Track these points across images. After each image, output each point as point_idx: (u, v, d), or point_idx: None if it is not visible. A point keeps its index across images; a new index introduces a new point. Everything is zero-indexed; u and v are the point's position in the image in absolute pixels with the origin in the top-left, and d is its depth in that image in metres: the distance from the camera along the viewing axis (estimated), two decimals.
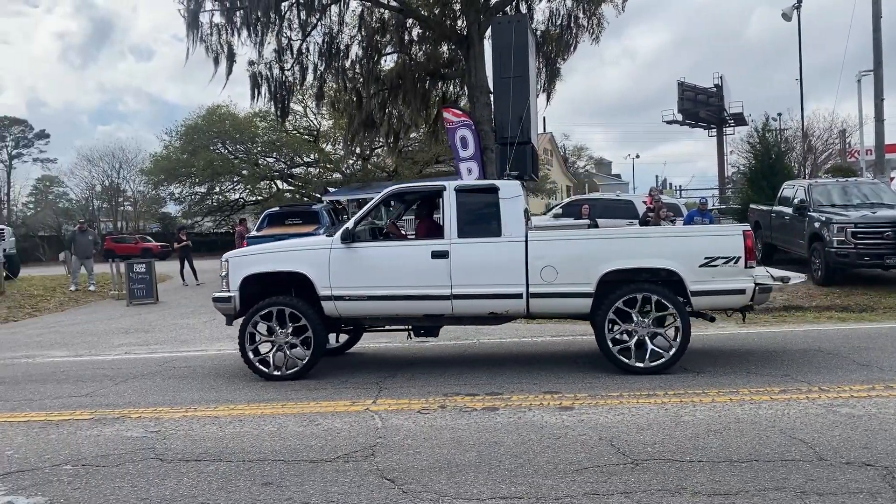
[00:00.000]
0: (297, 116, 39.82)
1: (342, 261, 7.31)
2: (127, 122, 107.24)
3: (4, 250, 18.48)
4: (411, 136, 32.75)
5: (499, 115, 18.05)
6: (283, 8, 21.04)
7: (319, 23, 22.12)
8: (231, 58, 21.34)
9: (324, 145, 42.97)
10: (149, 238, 43.93)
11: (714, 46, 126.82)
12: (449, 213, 7.24)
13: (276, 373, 7.36)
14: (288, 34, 22.07)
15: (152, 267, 16.30)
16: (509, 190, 7.27)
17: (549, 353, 8.20)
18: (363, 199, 38.87)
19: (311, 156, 44.46)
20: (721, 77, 53.32)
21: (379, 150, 39.33)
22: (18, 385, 7.74)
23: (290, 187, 46.57)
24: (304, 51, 22.53)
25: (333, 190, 39.81)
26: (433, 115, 24.17)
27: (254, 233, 17.74)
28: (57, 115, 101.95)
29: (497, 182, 7.48)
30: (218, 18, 20.99)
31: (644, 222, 14.21)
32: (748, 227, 6.99)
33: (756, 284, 6.80)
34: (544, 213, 18.06)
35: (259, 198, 46.66)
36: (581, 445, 4.74)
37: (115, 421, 5.92)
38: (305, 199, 41.65)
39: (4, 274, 17.62)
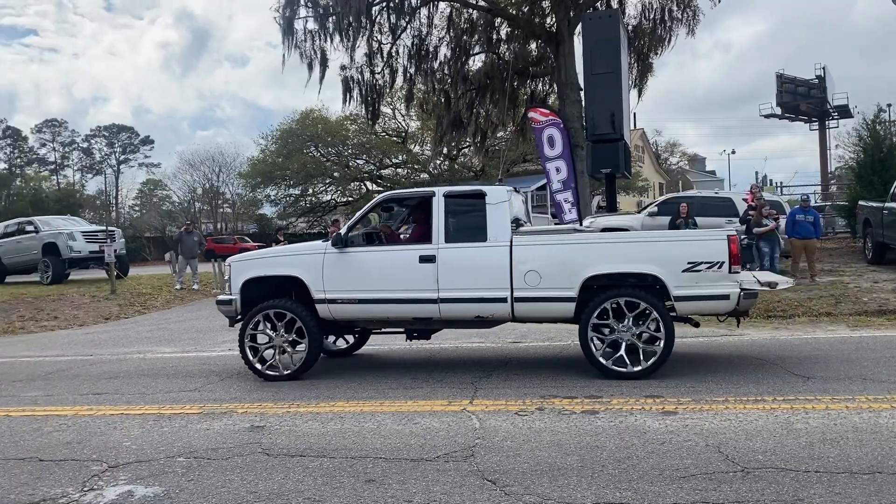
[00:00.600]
0: (387, 118, 40.46)
1: (335, 265, 7.50)
2: (224, 127, 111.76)
3: (116, 251, 19.56)
4: (498, 135, 32.70)
5: (589, 111, 17.81)
6: (373, 12, 21.40)
7: (409, 25, 22.39)
8: (324, 63, 21.92)
9: (412, 146, 43.49)
10: (247, 238, 45.52)
11: (815, 35, 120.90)
12: (437, 218, 7.35)
13: (273, 373, 7.60)
14: (378, 38, 22.47)
15: None
16: (495, 196, 7.32)
17: None
18: None
19: (400, 157, 45.11)
20: (823, 68, 50.71)
21: (466, 150, 39.45)
22: (132, 379, 8.17)
23: (380, 188, 47.35)
24: (393, 54, 22.88)
25: None
26: (521, 114, 24.05)
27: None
28: (160, 122, 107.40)
29: (484, 188, 7.54)
30: (311, 25, 21.59)
31: (745, 221, 13.67)
32: (733, 233, 6.84)
33: (742, 290, 6.63)
34: (638, 212, 17.65)
35: (349, 199, 47.68)
36: (687, 451, 4.60)
37: (223, 415, 6.15)
38: None
39: (116, 273, 18.62)
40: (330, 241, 7.59)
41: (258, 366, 7.64)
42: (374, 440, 5.16)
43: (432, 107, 25.33)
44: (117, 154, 76.63)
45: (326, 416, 5.94)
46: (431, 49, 22.92)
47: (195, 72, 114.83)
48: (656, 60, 23.30)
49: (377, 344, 9.42)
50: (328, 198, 48.79)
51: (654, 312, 6.71)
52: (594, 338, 6.86)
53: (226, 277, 8.11)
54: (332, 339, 8.97)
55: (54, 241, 20.68)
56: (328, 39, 21.58)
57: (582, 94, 19.08)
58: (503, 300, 7.06)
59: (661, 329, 6.72)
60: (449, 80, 23.31)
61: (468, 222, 7.38)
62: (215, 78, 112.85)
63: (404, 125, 43.09)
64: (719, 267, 6.62)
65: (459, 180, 40.00)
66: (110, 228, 23.08)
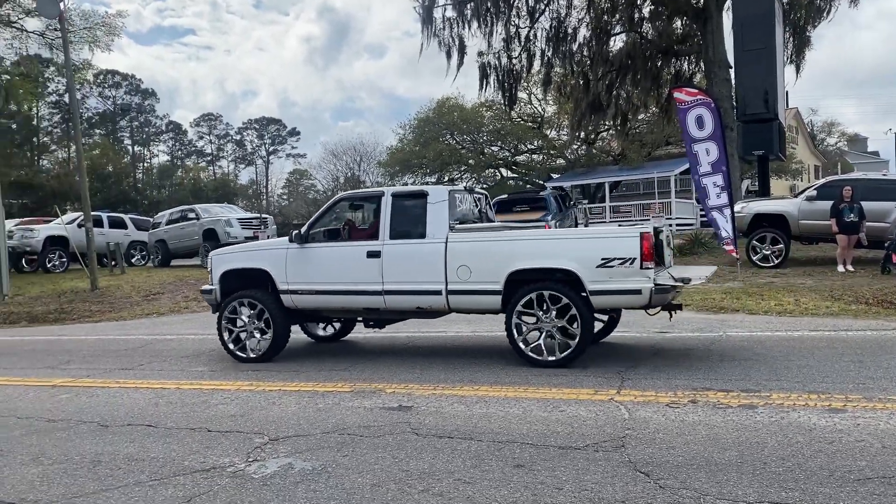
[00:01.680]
0: (522, 104, 40.18)
1: (296, 259, 8.29)
2: (363, 117, 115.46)
3: (268, 237, 20.73)
4: (639, 117, 31.66)
5: (740, 90, 16.87)
6: None
7: (547, 8, 22.10)
8: (462, 50, 22.06)
9: (548, 131, 42.97)
10: None
11: None
12: (384, 216, 7.97)
13: (244, 355, 8.48)
14: (516, 22, 22.33)
15: None
16: (436, 196, 7.88)
17: (808, 349, 7.48)
18: (587, 184, 38.44)
19: (535, 142, 44.70)
20: None
21: (604, 134, 38.52)
22: (285, 358, 8.60)
23: (514, 175, 47.20)
24: (531, 37, 22.68)
25: (557, 176, 39.76)
26: (664, 95, 23.14)
27: None
28: (304, 114, 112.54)
29: (426, 188, 8.19)
30: (450, 12, 21.78)
31: None
32: (647, 230, 6.98)
33: (655, 285, 6.79)
34: (795, 196, 16.54)
35: (484, 186, 47.86)
36: (860, 452, 4.25)
37: (372, 394, 6.35)
38: (528, 186, 42.00)
39: None
40: (289, 238, 8.40)
41: (231, 346, 8.57)
42: (520, 426, 5.14)
43: (570, 90, 24.90)
44: (267, 145, 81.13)
45: (471, 399, 5.99)
46: (570, 31, 22.51)
47: (336, 64, 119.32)
48: (813, 34, 21.70)
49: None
50: (463, 185, 49.26)
51: (572, 305, 7.01)
52: (518, 327, 7.29)
53: (208, 269, 9.04)
54: (321, 326, 9.91)
55: (213, 228, 22.19)
56: (466, 26, 21.72)
57: (732, 72, 18.10)
58: (439, 293, 7.62)
59: (578, 321, 7.01)
60: (588, 62, 22.81)
61: (410, 220, 7.92)
62: (354, 69, 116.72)
63: (540, 110, 42.65)
64: (631, 263, 6.86)
65: (598, 165, 39.15)
66: (263, 216, 24.47)
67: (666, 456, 4.37)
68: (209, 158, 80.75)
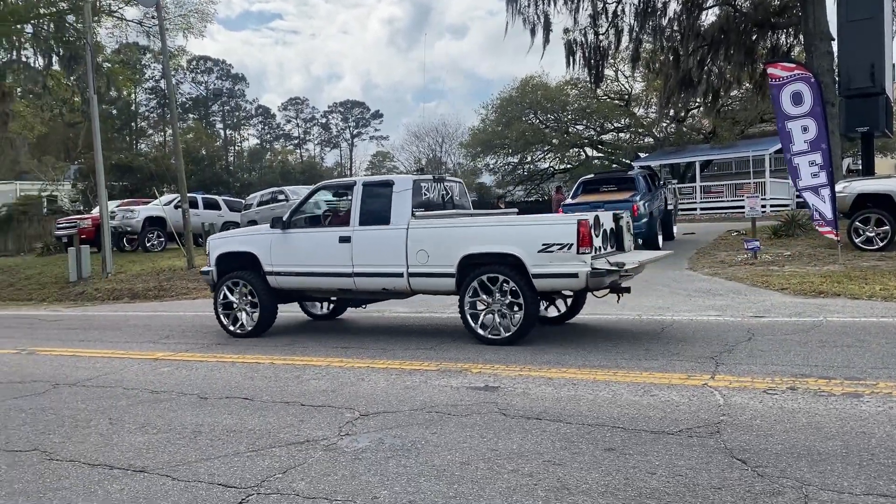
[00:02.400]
0: (609, 81, 39.30)
1: (279, 244, 9.04)
2: (445, 98, 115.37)
3: None
4: (732, 93, 30.44)
5: (844, 63, 15.97)
6: None
7: None
8: (547, 27, 21.72)
9: (635, 109, 41.90)
10: None
11: None
12: (355, 203, 8.63)
13: (236, 330, 9.33)
14: None
15: None
16: (400, 185, 8.47)
17: None
18: (676, 163, 37.33)
19: (622, 121, 43.73)
20: None
21: (695, 112, 37.27)
22: (374, 335, 8.77)
23: (600, 154, 46.34)
24: (618, 13, 22.11)
25: (644, 155, 38.78)
26: (759, 70, 22.14)
27: (568, 200, 17.96)
28: (387, 96, 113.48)
29: (392, 177, 8.90)
30: None
31: None
32: (584, 217, 7.39)
33: (592, 269, 7.17)
34: None
35: (568, 166, 47.23)
36: None
37: (458, 374, 6.38)
38: (615, 165, 41.17)
39: None
40: (269, 224, 9.22)
41: (224, 321, 9.43)
42: (610, 409, 5.06)
43: (659, 66, 24.16)
44: (351, 128, 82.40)
45: (559, 381, 5.94)
46: (659, 5, 21.79)
47: (418, 45, 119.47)
48: None
49: (595, 313, 9.27)
50: (546, 165, 48.72)
51: (517, 287, 7.48)
52: (472, 306, 7.81)
53: (206, 252, 9.86)
54: (317, 305, 10.67)
55: None
56: (551, 3, 21.36)
57: (834, 44, 17.13)
58: (401, 275, 8.24)
59: (522, 302, 7.50)
60: (678, 37, 22.04)
61: (377, 208, 8.51)
62: (436, 50, 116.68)
63: (627, 87, 41.62)
64: (568, 248, 7.27)
65: (688, 143, 37.97)
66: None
67: (764, 443, 4.21)
68: (296, 142, 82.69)
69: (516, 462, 4.12)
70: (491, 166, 51.52)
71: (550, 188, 41.25)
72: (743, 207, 19.01)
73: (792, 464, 3.89)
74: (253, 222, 23.97)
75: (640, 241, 17.01)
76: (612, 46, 23.20)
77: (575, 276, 7.26)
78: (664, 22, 21.95)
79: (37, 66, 23.20)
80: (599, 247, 7.69)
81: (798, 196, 15.97)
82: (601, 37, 22.46)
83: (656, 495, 3.56)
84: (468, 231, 8.03)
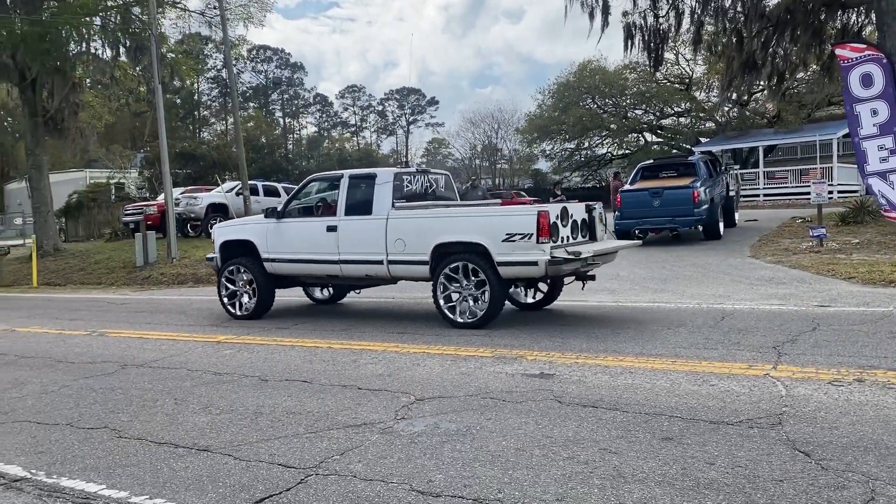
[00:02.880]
0: (669, 65, 38.42)
1: (274, 232, 9.68)
2: (500, 83, 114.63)
3: None
4: (798, 76, 29.41)
5: None
6: None
7: None
8: (605, 10, 21.32)
9: (696, 93, 40.89)
10: (523, 193, 46.62)
11: None
12: (341, 195, 9.23)
13: (238, 312, 10.02)
14: None
15: None
16: (382, 178, 9.02)
17: None
18: (739, 148, 36.33)
19: (682, 105, 42.74)
20: None
21: (758, 95, 36.15)
22: (429, 322, 8.81)
23: (659, 139, 45.46)
24: None
25: (706, 140, 37.86)
26: (826, 51, 21.31)
27: (626, 187, 17.68)
28: (442, 82, 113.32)
29: (376, 171, 9.32)
30: None
31: None
32: (544, 209, 7.81)
33: (551, 258, 7.58)
34: None
35: (626, 151, 46.48)
36: None
37: (513, 360, 6.38)
38: (675, 151, 40.33)
39: None
40: (264, 214, 9.91)
41: (226, 302, 10.17)
42: (668, 398, 5.00)
43: (721, 49, 23.44)
44: (407, 115, 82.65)
45: (615, 369, 5.89)
46: None
47: (473, 30, 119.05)
48: None
49: (655, 301, 9.12)
50: (604, 151, 48.03)
51: (484, 274, 7.96)
52: (443, 292, 8.30)
53: (213, 240, 10.58)
54: (319, 290, 11.26)
55: None
56: None
57: None
58: (381, 262, 8.79)
59: (488, 288, 7.98)
60: (742, 19, 21.34)
61: (361, 199, 9.05)
62: (492, 35, 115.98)
63: (688, 71, 40.62)
64: (529, 238, 7.71)
65: (751, 128, 36.91)
66: None
67: (828, 436, 4.10)
68: (353, 129, 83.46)
69: (571, 449, 4.11)
70: (547, 152, 51.05)
71: (608, 174, 40.67)
72: (808, 194, 18.41)
73: (858, 457, 3.78)
74: None
75: (699, 229, 16.68)
76: (672, 29, 22.62)
77: (535, 263, 7.70)
78: (727, 3, 21.30)
79: (105, 57, 23.89)
80: (567, 236, 8.20)
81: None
82: (661, 19, 21.92)
83: (714, 486, 3.51)
84: (441, 222, 8.51)
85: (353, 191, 9.18)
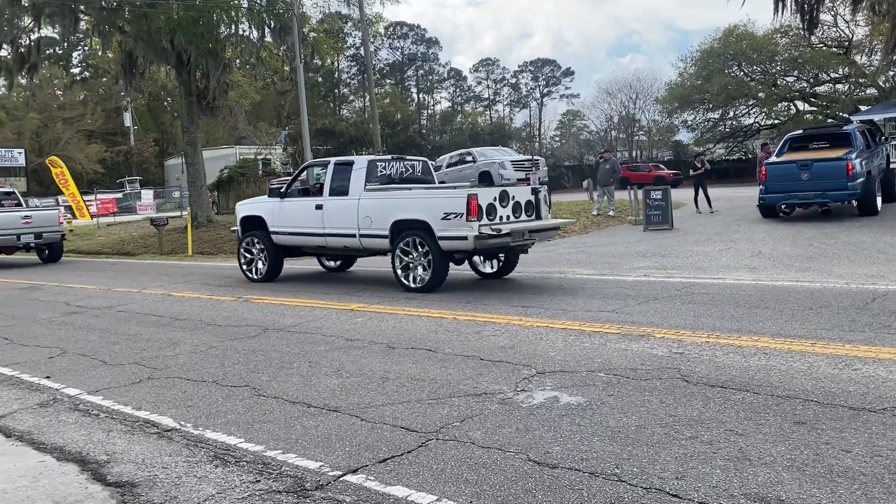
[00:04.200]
0: (825, 27, 35.62)
1: (279, 209, 11.54)
2: (640, 52, 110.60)
3: (539, 178, 21.05)
4: None
5: None
6: None
7: None
8: None
9: (856, 57, 37.68)
10: (661, 166, 44.99)
11: None
12: (327, 179, 10.95)
13: (254, 276, 11.96)
14: None
15: (668, 194, 16.64)
16: (359, 164, 10.71)
17: None
18: None
19: (840, 71, 39.57)
20: None
21: None
22: (554, 296, 8.78)
23: (813, 108, 42.41)
24: None
25: (865, 108, 34.88)
26: None
27: (773, 159, 16.65)
28: (578, 52, 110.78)
29: (354, 158, 11.16)
30: None
31: None
32: (474, 192, 9.15)
33: (478, 233, 8.89)
34: None
35: (776, 121, 43.72)
36: None
37: (640, 338, 6.24)
38: (830, 120, 37.49)
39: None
40: (268, 194, 12.00)
41: (245, 268, 12.11)
42: (803, 381, 4.73)
43: (886, 7, 21.45)
44: (541, 87, 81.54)
45: (749, 350, 5.63)
46: None
47: None
48: None
49: (798, 280, 8.57)
50: (750, 121, 45.41)
51: (428, 247, 9.41)
52: (400, 262, 9.79)
53: (236, 216, 12.62)
54: (331, 262, 12.98)
55: (488, 170, 23.07)
56: None
57: None
58: (354, 236, 10.44)
59: (431, 259, 9.44)
60: None
61: (341, 182, 10.69)
62: (631, 1, 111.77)
63: (848, 33, 37.48)
64: (460, 217, 9.04)
65: None
66: (534, 157, 24.86)
67: None
68: (486, 103, 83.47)
69: (695, 429, 3.99)
70: (689, 123, 48.96)
71: (755, 146, 38.45)
72: None
73: None
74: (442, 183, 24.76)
75: (853, 204, 15.50)
76: None
77: (465, 238, 9.02)
78: None
79: (252, 38, 25.18)
80: (508, 216, 9.48)
81: None
82: None
83: (849, 474, 3.31)
84: (397, 202, 10.06)
85: (336, 175, 10.80)
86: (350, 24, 54.28)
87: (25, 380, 6.13)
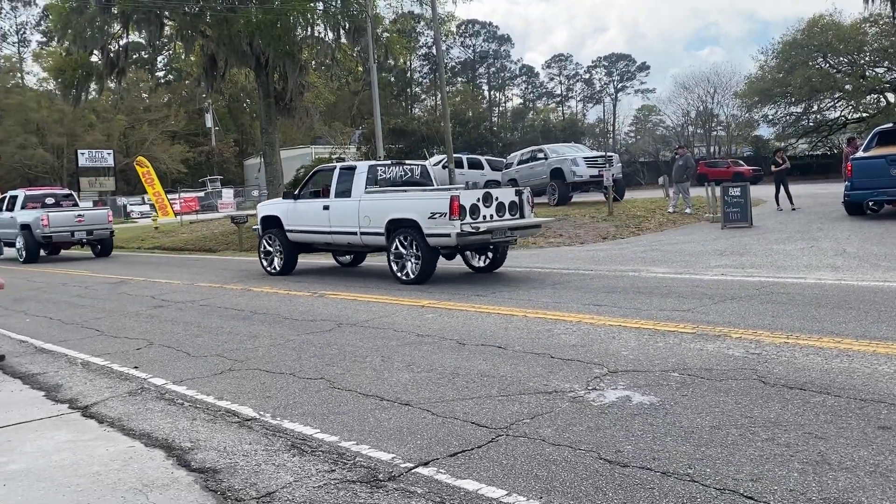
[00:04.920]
0: None
1: (292, 210, 12.79)
2: (718, 44, 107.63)
3: (613, 175, 20.75)
4: None
5: None
6: None
7: None
8: None
9: None
10: (740, 162, 43.60)
11: None
12: (334, 181, 12.07)
13: (271, 270, 13.14)
14: None
15: (747, 191, 16.16)
16: (360, 169, 11.85)
17: None
18: None
19: None
20: None
21: None
22: (627, 295, 8.66)
23: None
24: None
25: None
26: None
27: (860, 154, 15.95)
28: (654, 46, 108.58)
29: (357, 163, 12.45)
30: None
31: None
32: (456, 194, 10.22)
33: (460, 231, 9.88)
34: None
35: (864, 115, 41.82)
36: None
37: (716, 338, 6.11)
38: None
39: (612, 196, 19.76)
40: (282, 195, 13.63)
41: (264, 263, 13.33)
42: (889, 385, 4.55)
43: None
44: (615, 83, 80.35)
45: (831, 351, 5.44)
46: None
47: None
48: None
49: (888, 280, 8.20)
50: (836, 115, 43.53)
51: (418, 244, 10.44)
52: (394, 257, 10.86)
53: (256, 215, 13.99)
54: (347, 257, 14.21)
55: (560, 167, 22.87)
56: None
57: None
58: (356, 233, 11.60)
59: (421, 254, 10.45)
60: None
61: (345, 184, 11.84)
62: None
63: None
64: (444, 216, 9.98)
65: None
66: (608, 154, 24.49)
67: None
68: (558, 99, 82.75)
69: (772, 431, 3.90)
70: (770, 117, 47.27)
71: (841, 140, 36.88)
72: None
73: None
74: (513, 181, 24.64)
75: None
76: None
77: (448, 235, 10.00)
78: None
79: (327, 40, 25.72)
80: (492, 215, 10.43)
81: None
82: None
83: None
84: (392, 203, 11.07)
85: (341, 179, 11.92)
86: (422, 23, 54.64)
87: (115, 369, 6.47)
